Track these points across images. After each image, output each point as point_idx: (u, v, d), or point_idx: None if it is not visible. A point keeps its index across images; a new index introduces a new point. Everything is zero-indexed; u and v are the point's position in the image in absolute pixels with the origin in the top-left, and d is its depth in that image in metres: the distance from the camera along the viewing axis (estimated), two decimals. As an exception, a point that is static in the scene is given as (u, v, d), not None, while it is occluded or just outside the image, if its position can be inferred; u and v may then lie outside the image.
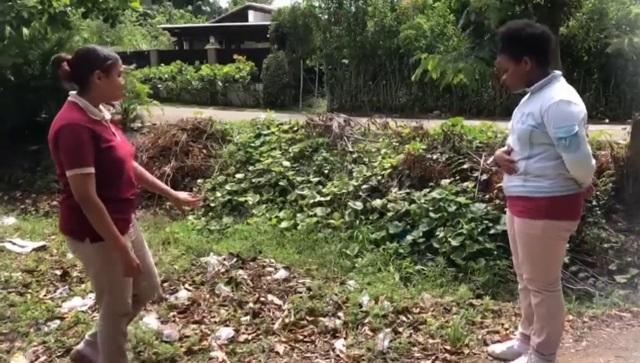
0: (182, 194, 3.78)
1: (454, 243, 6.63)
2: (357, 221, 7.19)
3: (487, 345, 3.95)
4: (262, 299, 4.61)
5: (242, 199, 7.99)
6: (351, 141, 8.57)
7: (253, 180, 8.26)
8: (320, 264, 5.61)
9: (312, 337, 4.06)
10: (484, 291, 6.09)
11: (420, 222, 7.01)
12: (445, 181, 7.27)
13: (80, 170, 2.87)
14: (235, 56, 21.85)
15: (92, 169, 2.90)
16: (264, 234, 7.27)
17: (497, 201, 7.05)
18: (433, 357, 3.77)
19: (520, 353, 3.75)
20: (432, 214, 7.02)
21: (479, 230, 6.70)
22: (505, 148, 3.63)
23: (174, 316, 4.40)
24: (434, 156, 7.46)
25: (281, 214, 7.57)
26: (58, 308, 4.55)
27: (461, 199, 7.03)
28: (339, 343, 3.96)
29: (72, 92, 3.09)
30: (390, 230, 7.03)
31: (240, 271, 5.19)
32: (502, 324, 4.25)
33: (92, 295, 4.65)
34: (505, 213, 6.90)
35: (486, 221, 6.80)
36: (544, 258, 3.42)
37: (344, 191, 7.53)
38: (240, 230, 7.41)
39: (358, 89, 18.61)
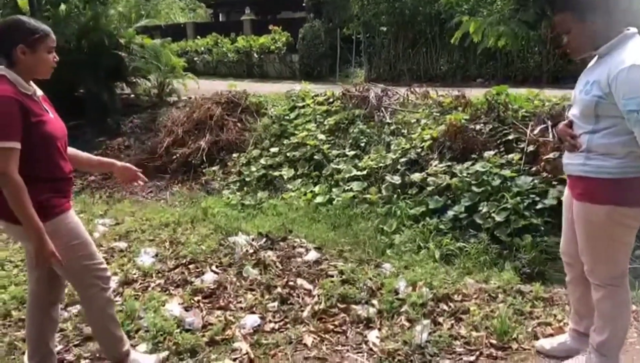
0: (125, 165, 3.49)
1: (498, 218, 6.15)
2: (395, 196, 6.79)
3: (537, 339, 3.50)
4: (291, 283, 4.27)
5: (276, 173, 7.65)
6: (389, 112, 8.10)
7: (288, 154, 7.89)
8: (354, 244, 5.21)
9: (344, 327, 3.70)
10: (530, 269, 5.63)
11: (462, 196, 6.58)
12: (489, 153, 6.79)
13: (3, 143, 2.66)
14: (270, 27, 21.31)
15: (15, 144, 2.68)
16: (299, 210, 6.92)
17: (545, 174, 6.53)
18: (477, 353, 3.37)
19: (572, 349, 3.31)
20: (474, 188, 6.56)
21: (525, 204, 6.21)
22: (568, 120, 3.13)
23: (198, 301, 4.10)
24: (477, 127, 6.95)
25: (316, 189, 7.21)
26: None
27: (506, 172, 6.54)
28: (372, 335, 3.59)
29: (1, 66, 2.83)
30: (430, 205, 6.62)
31: (269, 253, 4.84)
32: (555, 315, 3.81)
33: (116, 279, 4.36)
34: (553, 186, 6.47)
35: (533, 195, 6.30)
36: (607, 249, 2.97)
37: (381, 164, 7.11)
38: (274, 205, 7.09)
39: (397, 58, 17.80)
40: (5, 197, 2.72)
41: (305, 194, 7.23)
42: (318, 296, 4.08)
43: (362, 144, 7.77)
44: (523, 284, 4.34)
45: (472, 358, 3.34)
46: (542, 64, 15.17)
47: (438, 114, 7.67)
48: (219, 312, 3.96)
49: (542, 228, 5.99)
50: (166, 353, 3.39)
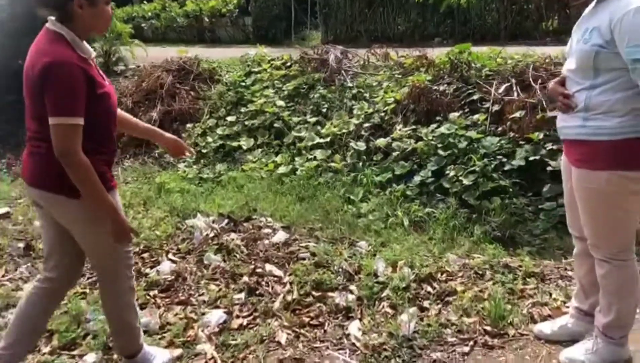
0: (173, 137, 3.16)
1: (466, 181, 5.86)
2: (361, 163, 6.40)
3: (534, 321, 3.11)
4: (258, 270, 3.78)
5: (235, 143, 7.10)
6: (350, 76, 7.58)
7: (246, 123, 7.33)
8: (324, 220, 4.71)
9: (321, 319, 3.25)
10: (501, 232, 5.36)
11: (429, 161, 6.26)
12: (454, 115, 6.47)
13: (69, 120, 2.33)
14: (221, -12, 20.23)
15: (80, 120, 2.36)
16: (261, 182, 6.41)
17: (511, 134, 6.24)
18: (471, 342, 2.95)
19: (575, 332, 2.93)
20: (441, 152, 6.24)
21: (493, 166, 5.93)
22: (560, 77, 2.68)
23: (154, 296, 3.58)
24: (441, 88, 6.56)
25: (278, 158, 6.72)
26: (18, 291, 3.63)
27: (472, 133, 6.23)
28: (354, 327, 3.15)
29: (52, 18, 2.43)
30: (397, 170, 6.28)
31: (233, 235, 4.32)
32: (549, 293, 3.41)
33: None
34: (520, 146, 6.13)
35: (500, 156, 6.02)
36: (610, 220, 2.62)
37: (344, 130, 6.65)
38: (234, 178, 6.57)
39: (353, 18, 17.06)
40: (50, 166, 2.42)
41: (266, 164, 6.73)
42: (290, 283, 3.62)
43: (324, 110, 7.27)
44: (510, 257, 3.92)
45: (466, 348, 2.97)
46: (499, 21, 14.76)
47: (400, 76, 7.21)
48: (178, 308, 3.47)
49: (511, 190, 5.73)
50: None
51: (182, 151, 3.15)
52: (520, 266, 3.75)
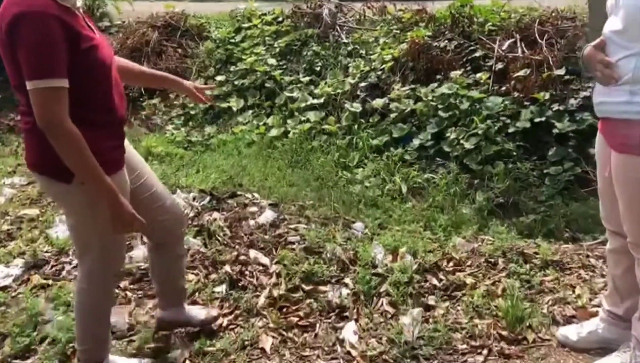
0: (191, 83, 2.72)
1: (468, 145, 5.34)
2: (356, 126, 5.84)
3: (556, 323, 2.57)
4: (242, 257, 3.21)
5: (224, 105, 6.50)
6: (345, 31, 6.89)
7: (236, 82, 6.70)
8: (316, 196, 4.14)
9: (311, 319, 2.71)
10: (504, 199, 4.92)
11: (428, 123, 5.69)
12: (455, 73, 5.88)
13: (48, 82, 1.86)
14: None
15: (63, 82, 1.89)
16: (251, 145, 5.83)
17: (516, 94, 5.65)
18: (485, 350, 2.41)
19: (607, 340, 2.39)
20: (441, 113, 5.67)
21: (496, 128, 5.38)
22: (598, 40, 2.08)
23: (124, 289, 3.01)
24: (441, 44, 5.93)
25: (269, 120, 6.13)
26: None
27: (474, 93, 5.64)
28: (349, 330, 2.63)
29: None
30: (394, 133, 5.72)
31: (215, 215, 3.74)
32: (572, 287, 2.85)
33: (21, 262, 3.22)
34: (525, 107, 5.58)
35: (503, 118, 5.46)
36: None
37: (339, 90, 6.04)
38: (224, 141, 6.00)
39: (347, -31, 16.01)
40: (44, 145, 1.96)
41: (257, 127, 6.14)
42: (277, 274, 3.05)
43: (318, 69, 6.62)
44: (524, 240, 3.36)
45: (480, 358, 2.46)
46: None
47: (398, 32, 6.54)
48: (151, 303, 2.91)
49: (515, 154, 5.23)
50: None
51: (203, 96, 2.71)
52: (536, 253, 3.18)
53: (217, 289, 2.99)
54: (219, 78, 6.89)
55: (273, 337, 2.63)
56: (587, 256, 3.20)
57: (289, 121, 6.12)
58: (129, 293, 3.05)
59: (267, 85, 6.60)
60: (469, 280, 2.96)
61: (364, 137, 5.68)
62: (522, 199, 4.95)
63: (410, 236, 3.41)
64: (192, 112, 6.71)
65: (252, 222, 3.64)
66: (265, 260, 3.23)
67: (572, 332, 2.53)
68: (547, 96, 5.40)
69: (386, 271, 3.01)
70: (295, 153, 5.74)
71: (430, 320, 2.67)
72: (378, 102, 5.93)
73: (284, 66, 6.89)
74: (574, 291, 2.86)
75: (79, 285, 2.35)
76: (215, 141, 6.12)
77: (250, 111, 6.41)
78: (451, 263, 3.15)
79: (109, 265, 2.30)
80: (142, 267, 3.24)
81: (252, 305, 2.87)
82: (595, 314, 2.59)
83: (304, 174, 5.19)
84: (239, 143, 5.95)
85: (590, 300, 2.76)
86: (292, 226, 3.60)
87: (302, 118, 6.09)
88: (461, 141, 5.39)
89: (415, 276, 2.98)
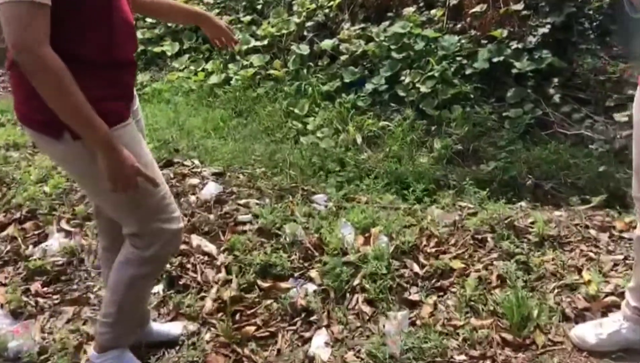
0: (223, 22, 2.11)
1: (424, 89, 4.76)
2: (305, 70, 5.17)
3: (566, 318, 1.98)
4: (182, 246, 2.44)
5: (158, 49, 5.55)
6: (286, -36, 5.90)
7: (169, 24, 5.64)
8: (269, 159, 3.38)
9: (271, 327, 2.02)
10: (463, 146, 4.45)
11: (381, 65, 5.04)
12: (408, 10, 5.32)
13: None
14: None
15: None
16: (190, 94, 5.00)
17: (472, 32, 5.09)
18: (488, 362, 1.78)
19: (633, 342, 1.82)
20: (394, 55, 5.02)
21: (453, 70, 4.83)
22: None
23: (35, 294, 2.22)
24: (393, -23, 5.06)
25: (208, 66, 5.30)
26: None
27: (428, 32, 5.04)
28: (319, 342, 1.99)
29: None
30: (345, 78, 5.05)
31: None
32: (578, 269, 2.27)
33: None
34: (482, 46, 5.03)
35: (460, 58, 4.90)
36: None
37: (284, 31, 5.26)
38: (159, 91, 5.11)
39: None
40: (29, 87, 1.38)
41: (195, 73, 5.31)
42: (226, 268, 2.32)
43: (259, 7, 5.81)
44: (510, 204, 2.78)
45: (483, 371, 1.79)
46: None
47: (345, -37, 5.59)
48: (71, 312, 2.17)
49: (472, 97, 4.72)
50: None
51: (226, 41, 2.09)
52: (529, 225, 2.56)
53: (153, 289, 2.24)
54: (149, 20, 5.86)
55: (225, 356, 1.93)
56: (586, 226, 2.63)
57: (230, 66, 5.31)
58: (40, 300, 2.27)
59: (204, 26, 5.62)
60: (456, 264, 2.35)
61: (314, 82, 5.03)
62: (482, 146, 4.47)
63: (381, 208, 2.73)
64: (122, 58, 5.70)
65: (192, 198, 2.88)
66: (211, 248, 2.51)
67: (589, 333, 1.97)
68: (505, 33, 4.88)
69: (359, 260, 2.34)
70: (239, 102, 5.01)
71: (417, 322, 2.04)
72: (327, 44, 5.21)
73: (222, 4, 5.97)
74: (580, 275, 2.28)
75: (126, 256, 1.78)
76: (149, 91, 5.28)
77: (187, 56, 5.54)
78: (432, 243, 2.52)
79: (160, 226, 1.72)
80: (60, 263, 2.45)
81: (195, 312, 2.15)
82: (611, 305, 2.02)
83: (251, 127, 4.43)
84: (176, 92, 5.08)
85: (601, 286, 2.17)
86: (241, 201, 2.86)
87: (245, 62, 5.31)
88: (417, 85, 4.81)
89: (392, 263, 2.32)
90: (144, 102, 5.17)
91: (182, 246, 2.44)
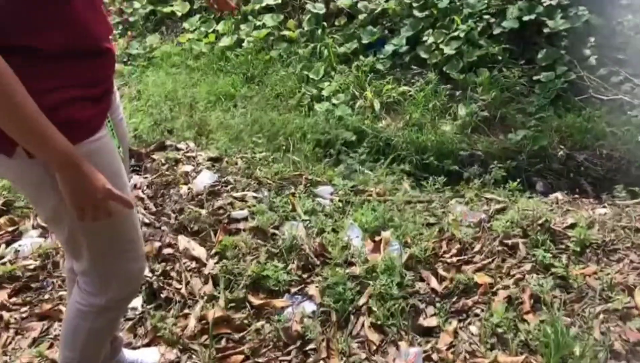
0: None
1: (448, 50, 4.25)
2: (320, 30, 4.73)
3: (617, 356, 1.52)
4: (167, 249, 2.02)
5: (167, 9, 5.05)
6: None
7: None
8: (270, 140, 2.92)
9: (261, 357, 1.65)
10: (489, 112, 3.95)
11: (402, 25, 4.51)
12: None
13: None
14: None
15: None
16: (200, 58, 4.56)
17: (501, -13, 4.56)
18: None
19: None
20: (416, 13, 4.48)
21: (479, 29, 4.29)
22: None
23: (1, 305, 1.84)
24: None
25: (220, 27, 4.81)
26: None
27: (454, -13, 4.38)
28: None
29: None
30: (364, 38, 4.52)
31: (135, 179, 2.47)
32: (629, 288, 1.78)
33: None
34: (512, 3, 4.45)
35: (487, 17, 4.33)
36: None
37: (298, -12, 4.61)
38: (169, 54, 4.65)
39: None
40: None
41: (206, 35, 4.83)
42: (213, 278, 1.90)
43: (272, -38, 5.09)
44: (546, 203, 2.27)
45: None
46: None
47: None
48: (38, 328, 1.78)
49: (500, 59, 4.19)
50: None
51: (230, 4, 1.76)
52: (570, 227, 2.05)
53: (131, 305, 1.84)
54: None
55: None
56: (637, 230, 2.11)
57: (242, 27, 4.82)
58: (6, 314, 1.90)
59: (214, -16, 5.06)
60: (482, 278, 1.89)
61: (330, 44, 4.53)
62: (510, 113, 3.99)
63: (394, 204, 2.25)
64: (131, 19, 5.27)
65: (184, 189, 2.42)
66: (199, 252, 2.09)
67: None
68: (537, -12, 4.31)
69: (366, 272, 1.89)
70: (250, 66, 4.56)
71: (434, 356, 1.60)
72: (344, 1, 4.74)
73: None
74: (631, 296, 1.79)
75: (79, 303, 1.38)
76: (159, 54, 4.83)
77: (198, 16, 5.05)
78: (453, 249, 2.05)
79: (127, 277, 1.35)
80: (32, 267, 2.06)
81: (175, 336, 1.74)
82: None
83: (262, 94, 3.98)
84: (187, 55, 4.61)
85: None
86: (237, 194, 2.40)
87: (258, 23, 4.84)
88: (440, 46, 4.30)
89: (406, 275, 1.87)
90: (152, 67, 4.72)
91: (168, 250, 2.03)
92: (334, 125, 3.88)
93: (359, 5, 4.66)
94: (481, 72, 4.13)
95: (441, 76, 4.23)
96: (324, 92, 4.26)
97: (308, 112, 4.12)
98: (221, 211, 2.28)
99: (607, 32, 4.30)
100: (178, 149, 2.81)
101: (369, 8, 4.63)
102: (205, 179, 2.49)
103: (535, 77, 4.09)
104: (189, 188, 2.43)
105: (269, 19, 4.81)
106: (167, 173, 2.55)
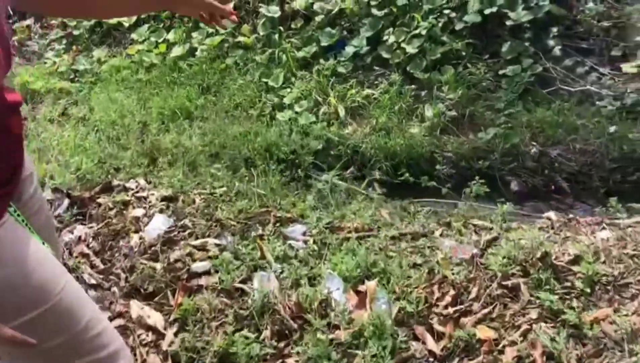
0: None
1: (410, 49, 3.94)
2: (276, 35, 4.38)
3: None
4: (119, 319, 1.63)
5: (113, 20, 4.62)
6: None
7: None
8: (231, 169, 2.49)
9: None
10: (457, 111, 3.67)
11: (361, 25, 4.18)
12: None
13: None
14: None
15: None
16: (151, 70, 4.12)
17: (459, -19, 4.40)
18: None
19: None
20: (375, 12, 4.17)
21: (440, 25, 4.00)
22: None
23: None
24: None
25: (170, 36, 4.31)
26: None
27: (411, -17, 4.09)
28: None
29: None
30: (322, 41, 4.18)
31: (79, 230, 2.04)
32: (639, 317, 1.48)
33: None
34: None
35: (447, 11, 4.05)
36: None
37: (249, -9, 4.20)
38: (118, 68, 4.20)
39: None
40: None
41: (157, 45, 4.41)
42: (173, 358, 1.50)
43: (220, -35, 4.58)
44: (544, 231, 1.94)
45: None
46: None
47: None
48: None
49: (464, 54, 3.91)
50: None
51: (224, 14, 1.30)
52: (574, 261, 1.74)
53: None
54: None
55: None
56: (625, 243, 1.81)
57: (194, 35, 4.41)
58: None
59: (161, -10, 4.57)
60: (484, 332, 1.57)
61: (288, 49, 4.17)
62: (478, 110, 3.72)
63: (375, 243, 1.89)
64: (76, 32, 4.76)
65: (135, 239, 2.02)
66: (155, 319, 1.71)
67: None
68: (498, -21, 4.10)
69: (353, 338, 1.54)
70: (206, 76, 4.19)
71: None
72: (299, 3, 4.36)
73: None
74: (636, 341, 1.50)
75: None
76: (107, 69, 4.34)
77: (146, 26, 4.60)
78: (448, 297, 1.70)
79: None
80: None
81: None
82: None
83: (221, 105, 3.62)
84: (136, 70, 4.15)
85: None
86: (196, 241, 2.00)
87: (210, 30, 4.34)
88: (402, 45, 3.99)
89: (397, 334, 1.52)
90: (101, 83, 4.24)
91: (119, 321, 1.62)
92: (298, 136, 3.55)
93: (315, 6, 4.29)
94: (446, 70, 3.86)
95: (405, 76, 3.94)
96: (286, 100, 3.93)
97: (270, 121, 3.79)
98: (179, 264, 1.89)
99: (569, 22, 4.11)
100: (127, 189, 2.38)
101: (326, 9, 4.26)
102: (158, 224, 2.10)
103: (501, 72, 3.85)
104: (140, 238, 2.02)
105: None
106: (114, 221, 2.13)
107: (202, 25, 4.47)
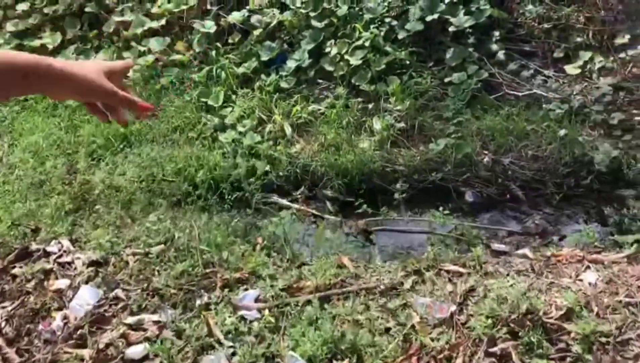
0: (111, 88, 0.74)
1: (354, 60, 3.65)
2: (214, 51, 3.95)
3: None
4: None
5: (36, 43, 4.04)
6: None
7: (46, 10, 4.24)
8: (169, 216, 2.07)
9: None
10: (405, 122, 3.37)
11: (302, 37, 3.86)
12: None
13: None
14: None
15: None
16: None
17: (399, -11, 4.22)
18: None
19: None
20: (315, 23, 3.84)
21: (383, 35, 3.72)
22: None
23: None
24: None
25: (100, 56, 3.86)
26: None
27: (350, -7, 3.90)
28: None
29: None
30: (263, 55, 3.82)
31: None
32: None
33: None
34: (412, 3, 3.89)
35: (389, 20, 3.77)
36: None
37: (182, 6, 3.92)
38: (43, 95, 3.47)
39: None
40: None
41: (85, 68, 3.66)
42: None
43: (149, -20, 4.17)
44: (518, 252, 1.66)
45: None
46: None
47: None
48: None
49: (409, 63, 3.64)
50: None
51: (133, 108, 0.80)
52: (565, 317, 1.43)
53: None
54: (21, 7, 4.22)
55: None
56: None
57: (125, 54, 3.92)
58: None
59: (88, 9, 4.11)
60: None
61: (226, 65, 3.77)
62: (427, 121, 3.47)
63: (339, 300, 1.52)
64: (-6, 57, 4.04)
65: (58, 320, 1.56)
66: None
67: None
68: (438, -15, 4.00)
69: None
70: (140, 97, 3.47)
71: None
72: (235, 17, 4.05)
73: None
74: None
75: None
76: (33, 96, 3.68)
77: (73, 47, 4.15)
78: None
79: None
80: None
81: None
82: None
83: (158, 129, 3.16)
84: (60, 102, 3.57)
85: None
86: (131, 319, 1.57)
87: (142, 48, 3.94)
88: (345, 57, 3.70)
89: None
90: (27, 111, 3.70)
91: None
92: (243, 159, 3.16)
93: (252, 19, 3.92)
94: (391, 80, 3.61)
95: (350, 88, 3.67)
96: (228, 120, 3.57)
97: (212, 144, 3.41)
98: (111, 350, 1.46)
99: (510, 25, 3.97)
100: (48, 255, 1.90)
101: (264, 22, 3.90)
102: (86, 298, 1.66)
103: (446, 80, 3.64)
104: (64, 318, 1.57)
105: (154, 43, 3.96)
106: (32, 297, 1.66)
107: (133, 43, 3.98)
